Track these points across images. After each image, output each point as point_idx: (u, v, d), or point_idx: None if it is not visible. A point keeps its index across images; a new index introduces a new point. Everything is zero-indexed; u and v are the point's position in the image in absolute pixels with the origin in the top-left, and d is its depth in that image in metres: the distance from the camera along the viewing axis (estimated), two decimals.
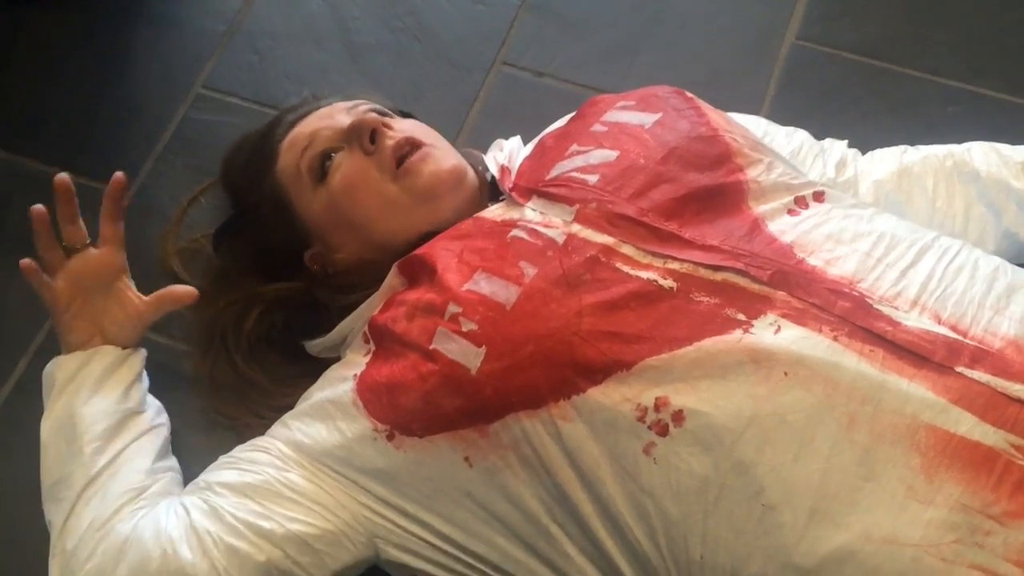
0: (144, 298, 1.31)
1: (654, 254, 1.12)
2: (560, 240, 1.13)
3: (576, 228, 1.14)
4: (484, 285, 1.12)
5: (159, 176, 1.51)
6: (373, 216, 1.27)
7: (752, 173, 1.19)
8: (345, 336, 1.27)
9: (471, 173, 1.30)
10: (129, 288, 1.32)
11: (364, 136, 1.27)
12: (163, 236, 1.47)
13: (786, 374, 1.03)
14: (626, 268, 1.11)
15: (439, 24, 1.64)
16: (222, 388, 1.37)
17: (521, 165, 1.29)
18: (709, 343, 1.05)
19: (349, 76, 1.58)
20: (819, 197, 1.20)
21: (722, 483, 1.02)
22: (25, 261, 1.25)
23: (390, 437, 1.13)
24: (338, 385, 1.19)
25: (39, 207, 1.24)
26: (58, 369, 1.27)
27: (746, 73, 1.61)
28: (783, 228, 1.15)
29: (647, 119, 1.24)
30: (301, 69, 1.60)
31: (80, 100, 1.57)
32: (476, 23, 1.65)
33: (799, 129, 1.42)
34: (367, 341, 1.21)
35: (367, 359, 1.19)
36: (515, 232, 1.16)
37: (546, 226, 1.15)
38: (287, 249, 1.34)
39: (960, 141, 1.35)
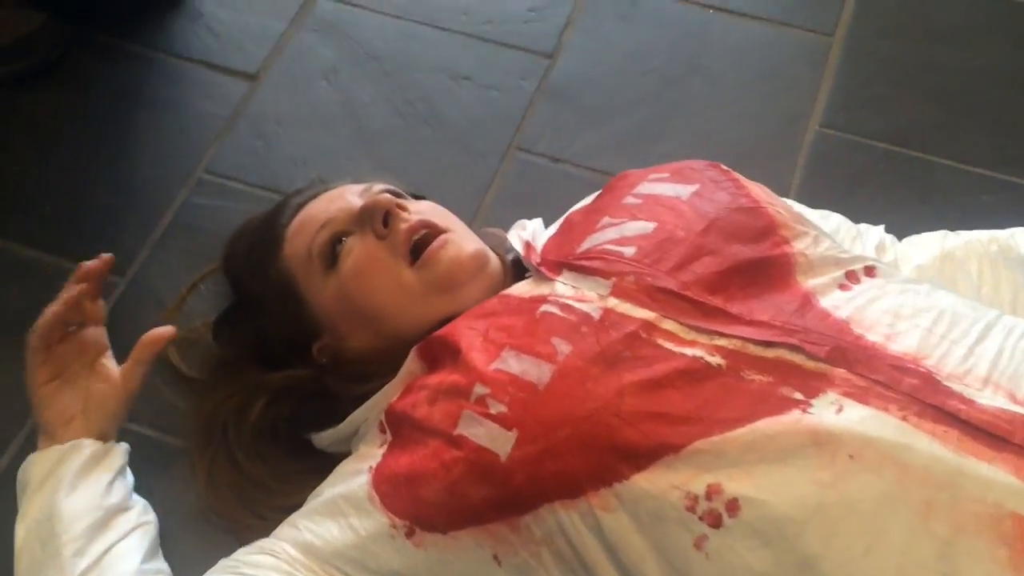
0: (125, 364, 1.21)
1: (699, 330, 1.03)
2: (596, 315, 1.05)
3: (613, 303, 1.06)
4: (513, 364, 1.03)
5: (155, 263, 1.43)
6: (387, 305, 1.18)
7: (799, 246, 1.11)
8: (358, 427, 1.17)
9: (493, 257, 1.22)
10: (111, 362, 1.22)
11: (377, 219, 1.19)
12: (160, 324, 1.37)
13: (852, 457, 0.93)
14: (669, 345, 1.02)
15: (451, 109, 1.58)
16: (221, 487, 1.27)
17: (547, 243, 1.21)
18: (765, 424, 0.96)
19: (359, 161, 1.51)
20: (871, 272, 1.12)
21: None
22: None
23: (409, 534, 1.03)
24: (351, 479, 1.09)
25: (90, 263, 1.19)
26: (33, 467, 1.16)
27: (770, 160, 1.55)
28: (836, 303, 1.06)
29: (683, 191, 1.16)
30: (308, 153, 1.54)
31: (74, 183, 1.49)
32: (490, 108, 1.59)
33: (833, 212, 1.35)
34: (383, 431, 1.12)
35: (383, 450, 1.09)
36: (545, 307, 1.08)
37: (580, 300, 1.07)
38: (294, 340, 1.25)
39: (997, 228, 1.29)
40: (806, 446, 0.95)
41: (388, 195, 1.21)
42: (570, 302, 1.07)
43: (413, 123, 1.56)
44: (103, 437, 1.20)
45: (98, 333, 1.23)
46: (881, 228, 1.34)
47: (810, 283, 1.09)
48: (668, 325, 1.04)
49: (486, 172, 1.52)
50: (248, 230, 1.33)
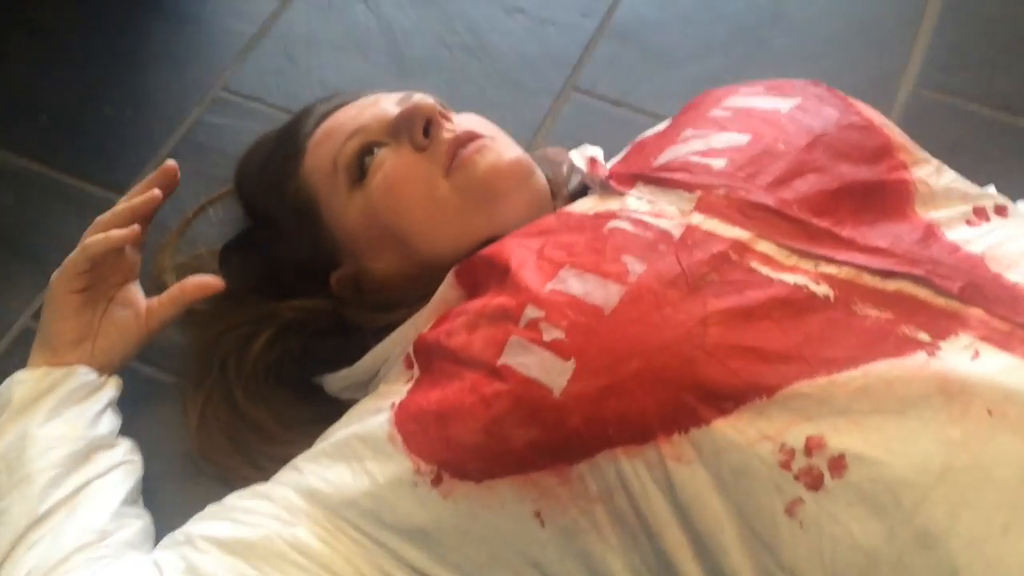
0: (157, 298, 1.07)
1: (803, 254, 0.85)
2: (676, 233, 0.87)
3: (698, 218, 0.88)
4: (575, 284, 0.86)
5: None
6: (419, 222, 1.01)
7: (919, 173, 0.94)
8: (380, 365, 0.99)
9: (539, 171, 1.05)
10: (139, 291, 1.08)
11: (416, 127, 1.02)
12: (161, 248, 1.20)
13: (990, 413, 0.75)
14: (765, 270, 0.84)
15: (502, 42, 1.41)
16: (214, 430, 1.09)
17: (614, 165, 1.03)
18: (882, 367, 0.78)
19: (395, 89, 1.34)
20: (1002, 211, 0.94)
21: (897, 559, 0.74)
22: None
23: (436, 481, 0.85)
24: (369, 418, 0.91)
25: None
26: (18, 387, 0.99)
27: None
28: (966, 238, 0.89)
29: (783, 104, 0.99)
30: (339, 78, 1.37)
31: (76, 94, 1.33)
32: (544, 44, 1.42)
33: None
34: (410, 366, 0.94)
35: (409, 386, 0.92)
36: (615, 223, 0.90)
37: (657, 216, 0.89)
38: (311, 268, 1.08)
39: None
40: (932, 396, 0.77)
41: (431, 101, 1.04)
42: (645, 217, 0.90)
43: (458, 54, 1.39)
44: (104, 370, 1.04)
45: (135, 256, 1.08)
46: (992, 187, 1.16)
47: (932, 215, 0.91)
48: (764, 247, 0.86)
49: (537, 111, 1.34)
50: (265, 142, 1.16)
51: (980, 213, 0.92)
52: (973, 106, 1.39)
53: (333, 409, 0.99)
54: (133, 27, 1.41)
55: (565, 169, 1.07)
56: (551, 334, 0.83)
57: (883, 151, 0.94)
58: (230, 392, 1.09)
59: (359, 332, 1.03)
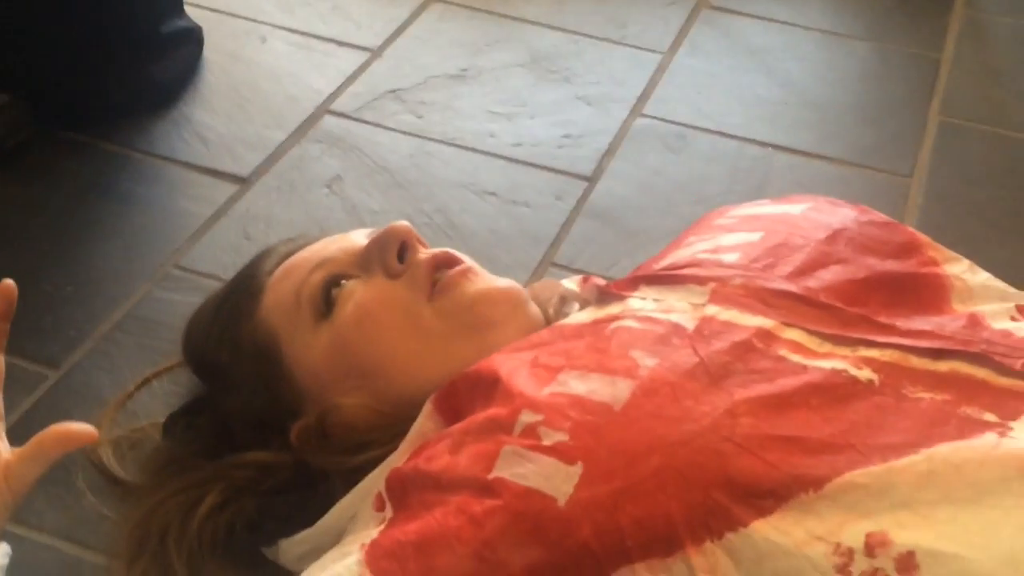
0: (18, 449, 0.84)
1: (837, 339, 0.75)
2: (690, 325, 0.77)
3: (713, 310, 0.78)
4: (576, 385, 0.74)
5: (101, 356, 1.14)
6: (396, 353, 0.89)
7: (952, 270, 0.85)
8: (347, 523, 0.85)
9: (532, 304, 0.95)
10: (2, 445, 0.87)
11: (390, 252, 0.92)
12: (97, 421, 1.06)
13: None
14: (796, 357, 0.74)
15: (474, 222, 1.34)
16: None
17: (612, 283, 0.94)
18: (947, 450, 0.67)
19: None
20: None
21: None
22: None
23: None
24: (334, 565, 0.77)
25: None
26: None
27: None
28: (1017, 328, 0.79)
29: (793, 208, 0.90)
30: None
31: (15, 274, 1.23)
32: (519, 223, 1.34)
33: None
34: (381, 507, 0.80)
35: (382, 527, 0.78)
36: (618, 324, 0.79)
37: (666, 312, 0.79)
38: (268, 420, 0.95)
39: None
40: (1011, 479, 0.65)
41: (406, 224, 0.95)
42: (653, 314, 0.79)
43: (429, 233, 1.31)
44: None
45: None
46: None
47: (973, 309, 0.81)
48: (793, 334, 0.75)
49: None
50: (218, 291, 1.05)
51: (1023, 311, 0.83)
52: None
53: None
54: (83, 208, 1.33)
55: (556, 300, 0.97)
56: (552, 438, 0.71)
57: (910, 247, 0.85)
58: (170, 568, 0.93)
59: (324, 483, 0.90)
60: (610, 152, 1.49)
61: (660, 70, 1.66)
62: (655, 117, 1.56)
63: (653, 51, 1.70)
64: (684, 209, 1.40)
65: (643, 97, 1.60)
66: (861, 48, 1.75)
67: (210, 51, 1.61)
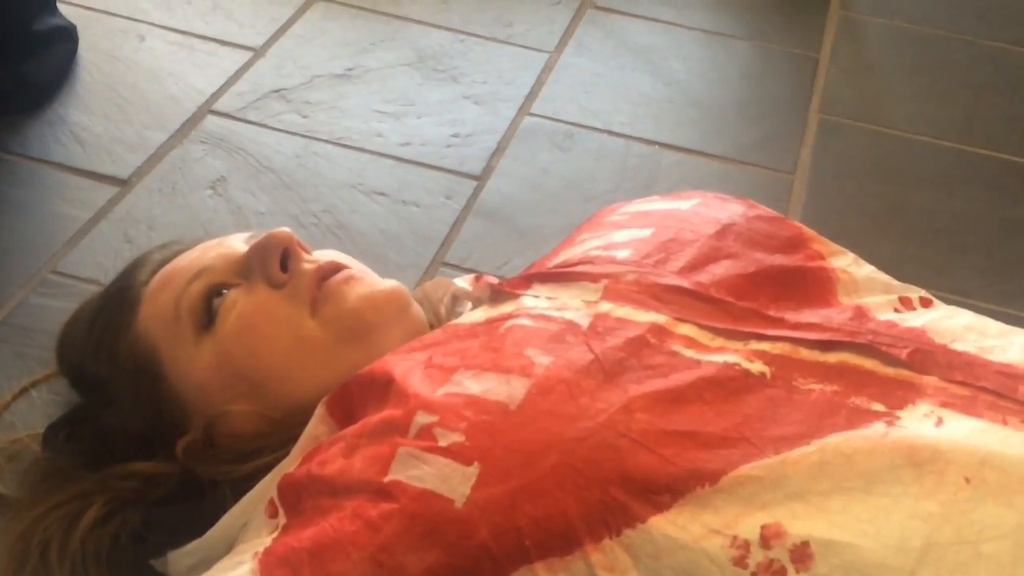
0: None
1: (729, 334, 0.75)
2: (584, 322, 0.76)
3: (606, 307, 0.78)
4: (471, 385, 0.73)
5: None
6: (281, 366, 0.87)
7: (838, 263, 0.86)
8: (238, 531, 0.83)
9: (416, 305, 0.94)
10: None
11: (272, 261, 0.90)
12: None
13: (968, 481, 0.65)
14: (689, 352, 0.74)
15: (363, 222, 1.32)
16: None
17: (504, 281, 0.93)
18: (837, 440, 0.68)
19: None
20: (927, 303, 0.86)
21: None
22: None
23: None
24: (227, 573, 0.75)
25: None
26: None
27: None
28: (900, 319, 0.80)
29: (683, 203, 0.91)
30: None
31: None
32: (409, 223, 1.33)
33: None
34: (273, 514, 0.78)
35: (275, 535, 0.76)
36: (512, 322, 0.79)
37: (559, 309, 0.79)
38: (151, 436, 0.93)
39: None
40: (899, 467, 0.66)
41: (287, 231, 0.93)
42: (547, 312, 0.79)
43: (317, 233, 1.29)
44: None
45: None
46: None
47: (858, 301, 0.83)
48: (686, 329, 0.75)
49: (407, 287, 1.25)
50: (92, 301, 1.02)
51: (906, 302, 0.84)
52: None
53: None
54: None
55: (448, 299, 0.96)
56: (448, 439, 0.70)
57: (797, 241, 0.86)
58: None
59: (213, 492, 0.87)
60: (499, 151, 1.49)
61: (547, 69, 1.66)
62: (543, 116, 1.57)
63: (540, 50, 1.70)
64: (574, 207, 1.40)
65: (531, 96, 1.60)
66: (742, 47, 1.78)
67: (86, 50, 1.57)
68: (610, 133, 1.54)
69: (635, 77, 1.67)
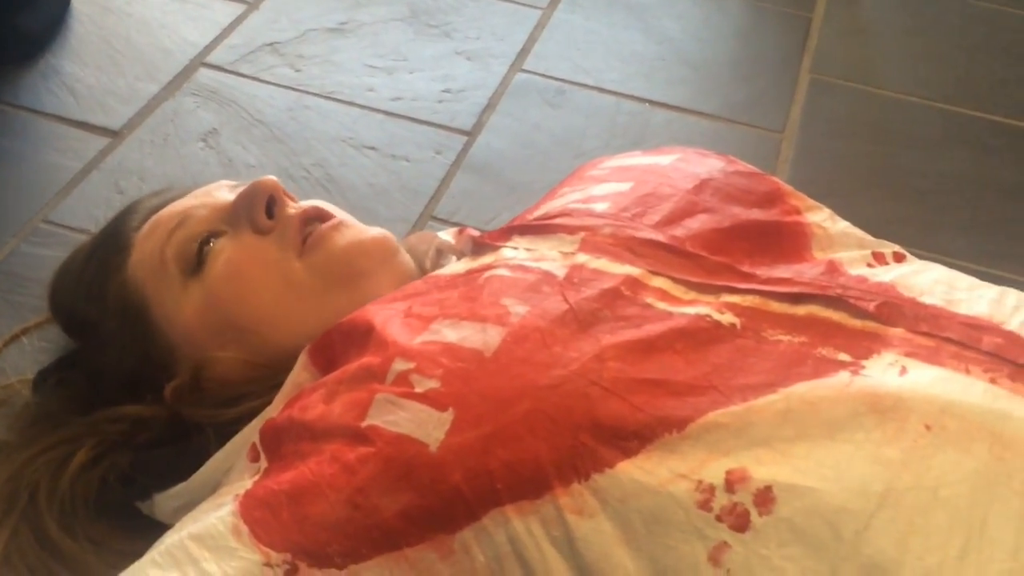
0: None
1: (701, 287, 0.77)
2: (560, 273, 0.78)
3: (583, 258, 0.79)
4: (448, 333, 0.75)
5: None
6: (268, 310, 0.89)
7: (814, 218, 0.87)
8: (221, 475, 0.85)
9: (404, 253, 0.95)
10: None
11: (258, 207, 0.91)
12: None
13: (928, 428, 0.67)
14: (662, 304, 0.75)
15: (353, 176, 1.33)
16: (21, 573, 0.91)
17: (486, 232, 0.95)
18: (803, 388, 0.69)
19: None
20: (900, 258, 0.88)
21: None
22: None
23: (291, 574, 0.71)
24: (208, 515, 0.77)
25: None
26: None
27: None
28: (871, 273, 0.82)
29: (663, 159, 0.92)
30: None
31: None
32: (398, 177, 1.34)
33: None
34: (255, 458, 0.80)
35: (256, 478, 0.78)
36: (491, 273, 0.80)
37: (537, 260, 0.80)
38: (141, 379, 0.94)
39: None
40: (862, 415, 0.68)
41: (273, 179, 0.95)
42: (524, 263, 0.80)
43: (307, 186, 1.31)
44: None
45: None
46: None
47: (831, 256, 0.84)
48: (659, 282, 0.77)
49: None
50: (84, 247, 1.03)
51: (879, 257, 0.86)
52: None
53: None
54: None
55: (432, 252, 0.97)
56: (424, 385, 0.72)
57: (774, 196, 0.88)
58: (41, 525, 0.91)
59: (199, 436, 0.89)
60: (490, 107, 1.49)
61: (540, 26, 1.67)
62: (535, 72, 1.57)
63: (533, 7, 1.70)
64: (563, 163, 1.41)
65: (523, 52, 1.61)
66: (736, 6, 1.78)
67: (79, 1, 1.57)
68: (600, 90, 1.55)
69: (627, 35, 1.67)
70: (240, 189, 0.96)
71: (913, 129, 1.58)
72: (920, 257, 1.38)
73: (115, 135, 1.36)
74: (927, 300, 0.77)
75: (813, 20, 1.76)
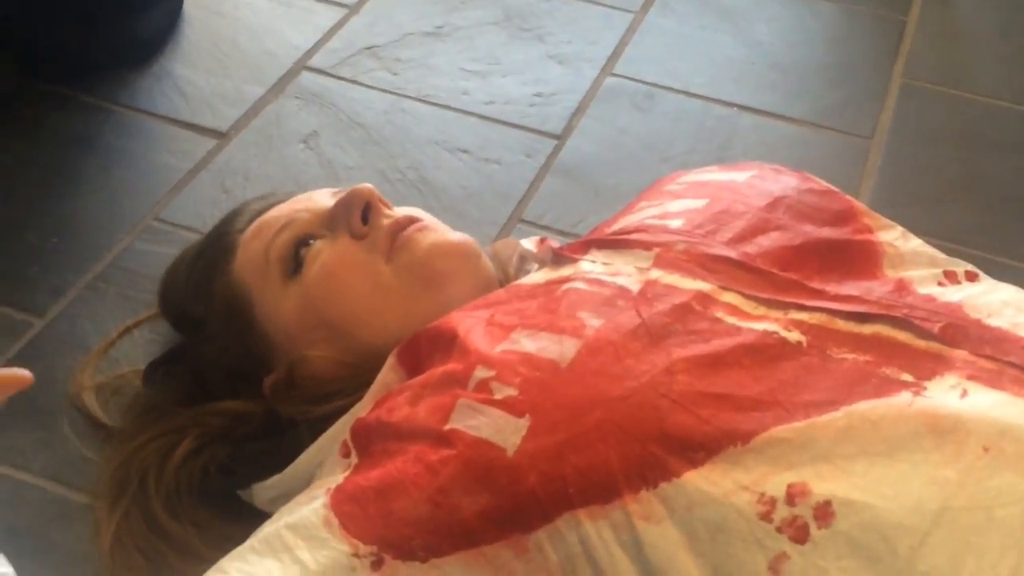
0: None
1: (770, 303, 0.80)
2: (635, 288, 0.82)
3: (656, 274, 0.83)
4: (527, 343, 0.79)
5: (84, 305, 1.19)
6: (359, 311, 0.95)
7: (885, 236, 0.90)
8: (315, 469, 0.91)
9: (486, 258, 1.00)
10: None
11: (354, 213, 0.97)
12: (80, 367, 1.12)
13: (986, 450, 0.69)
14: (732, 319, 0.79)
15: (446, 178, 1.39)
16: (132, 551, 0.98)
17: (566, 244, 0.99)
18: (865, 407, 0.72)
19: None
20: (973, 277, 0.90)
21: None
22: None
23: (377, 565, 0.76)
24: (302, 507, 0.83)
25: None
26: None
27: None
28: (940, 293, 0.84)
29: (739, 175, 0.95)
30: None
31: (3, 223, 1.28)
32: (489, 180, 1.39)
33: None
34: (347, 454, 0.86)
35: (347, 474, 0.84)
36: (569, 285, 0.85)
37: (613, 275, 0.84)
38: (241, 372, 1.01)
39: None
40: (922, 435, 0.70)
41: (370, 187, 1.00)
42: (601, 277, 0.84)
43: (402, 188, 1.36)
44: None
45: None
46: None
47: (902, 274, 0.87)
48: (729, 298, 0.81)
49: (483, 241, 1.31)
50: (193, 247, 1.10)
51: (951, 276, 0.88)
52: (926, 238, 1.37)
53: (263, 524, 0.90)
54: (67, 161, 1.37)
55: (515, 259, 1.02)
56: (503, 392, 0.76)
57: (847, 215, 0.91)
58: (149, 509, 0.98)
59: (293, 431, 0.95)
60: (580, 111, 1.53)
61: (631, 30, 1.70)
62: (625, 76, 1.61)
63: (625, 10, 1.73)
64: (650, 167, 1.45)
65: (614, 56, 1.64)
66: (828, 10, 1.79)
67: (190, 6, 1.65)
68: (689, 94, 1.58)
69: (718, 38, 1.70)
70: (340, 195, 1.01)
71: (1003, 134, 1.58)
72: (1005, 266, 1.39)
73: (222, 136, 1.43)
74: (993, 322, 0.80)
75: (908, 23, 1.76)
